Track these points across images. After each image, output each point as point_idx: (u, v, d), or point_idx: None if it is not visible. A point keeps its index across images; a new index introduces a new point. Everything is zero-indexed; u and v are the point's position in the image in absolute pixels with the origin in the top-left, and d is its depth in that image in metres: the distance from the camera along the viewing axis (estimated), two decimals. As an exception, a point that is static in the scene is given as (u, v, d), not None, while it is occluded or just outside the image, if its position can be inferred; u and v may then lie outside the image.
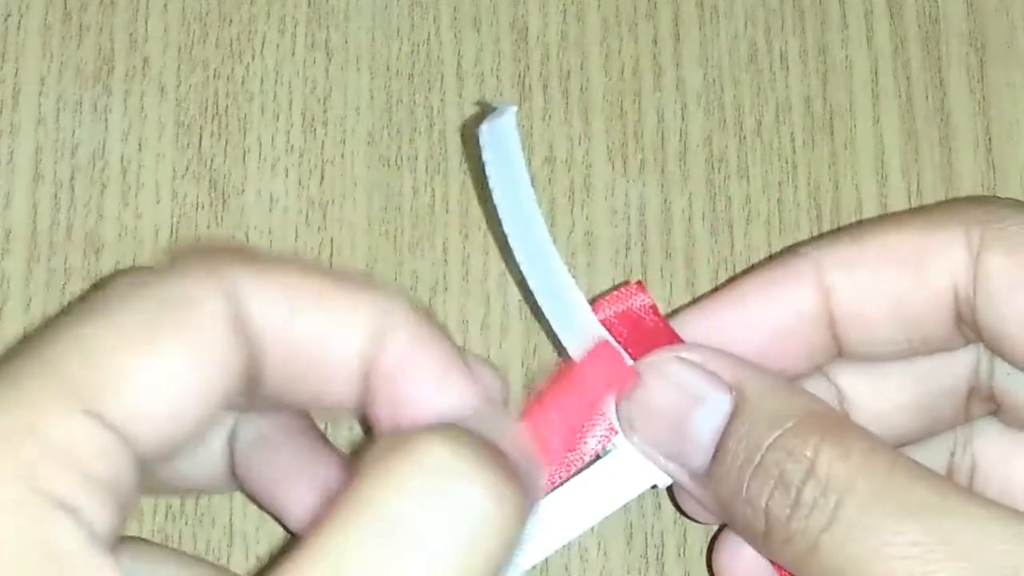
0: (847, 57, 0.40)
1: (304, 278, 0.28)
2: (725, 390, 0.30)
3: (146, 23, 0.39)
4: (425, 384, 0.28)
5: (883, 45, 0.40)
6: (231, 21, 0.39)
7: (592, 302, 0.32)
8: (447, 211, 0.38)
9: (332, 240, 0.38)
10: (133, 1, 0.39)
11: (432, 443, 0.25)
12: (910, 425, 0.32)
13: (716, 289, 0.33)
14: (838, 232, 0.33)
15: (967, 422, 0.33)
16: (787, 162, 0.39)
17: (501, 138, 0.30)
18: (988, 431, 0.33)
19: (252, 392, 0.28)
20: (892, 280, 0.31)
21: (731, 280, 0.33)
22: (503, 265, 0.38)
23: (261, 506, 0.33)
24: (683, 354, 0.31)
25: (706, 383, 0.30)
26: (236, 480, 0.32)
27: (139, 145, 0.38)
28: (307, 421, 0.32)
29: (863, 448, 0.28)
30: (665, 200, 0.39)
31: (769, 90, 0.40)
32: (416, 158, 0.39)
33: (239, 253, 0.28)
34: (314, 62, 0.39)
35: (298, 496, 0.31)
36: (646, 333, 0.32)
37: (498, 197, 0.31)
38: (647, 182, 0.39)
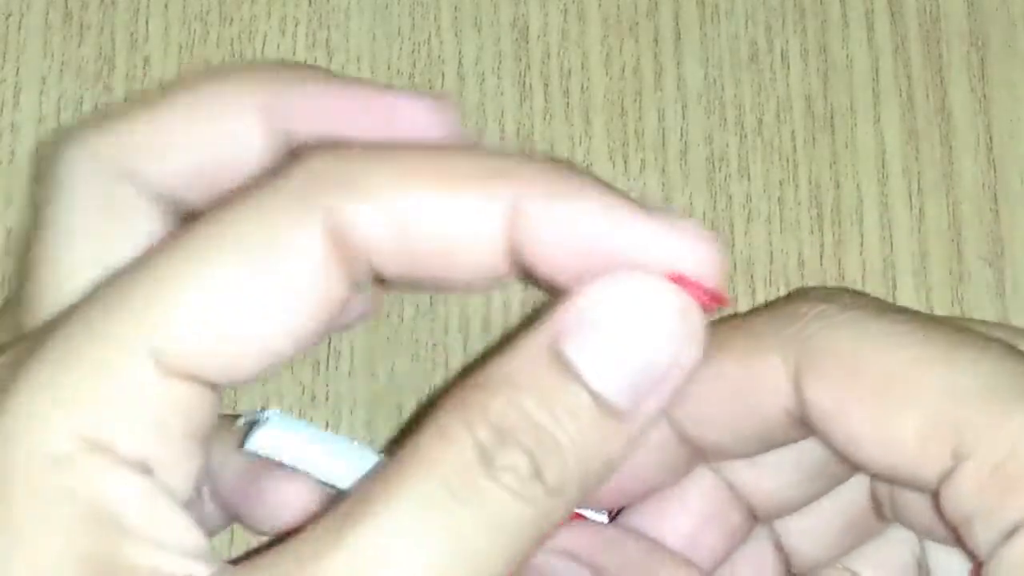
0: (848, 56, 0.40)
1: (415, 181, 0.26)
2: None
3: (147, 22, 0.39)
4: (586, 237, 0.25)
5: (884, 44, 0.40)
6: (232, 21, 0.39)
7: None
8: (448, 210, 0.38)
9: (333, 239, 0.38)
10: (134, 1, 0.39)
11: None
12: (803, 493, 0.32)
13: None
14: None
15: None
16: (788, 161, 0.39)
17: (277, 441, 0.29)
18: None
19: (371, 279, 0.26)
20: (725, 408, 0.30)
21: None
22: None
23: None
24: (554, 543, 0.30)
25: (571, 568, 0.30)
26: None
27: (139, 145, 0.38)
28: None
29: None
30: (666, 199, 0.39)
31: (770, 89, 0.40)
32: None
33: (342, 167, 0.26)
34: (315, 61, 0.39)
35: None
36: None
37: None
38: (648, 181, 0.39)
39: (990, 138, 0.40)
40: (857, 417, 0.28)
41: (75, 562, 0.23)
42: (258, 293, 0.25)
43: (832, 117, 0.40)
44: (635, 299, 0.25)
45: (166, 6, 0.39)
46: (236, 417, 0.30)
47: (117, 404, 0.24)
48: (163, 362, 0.24)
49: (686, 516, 0.31)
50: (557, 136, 0.39)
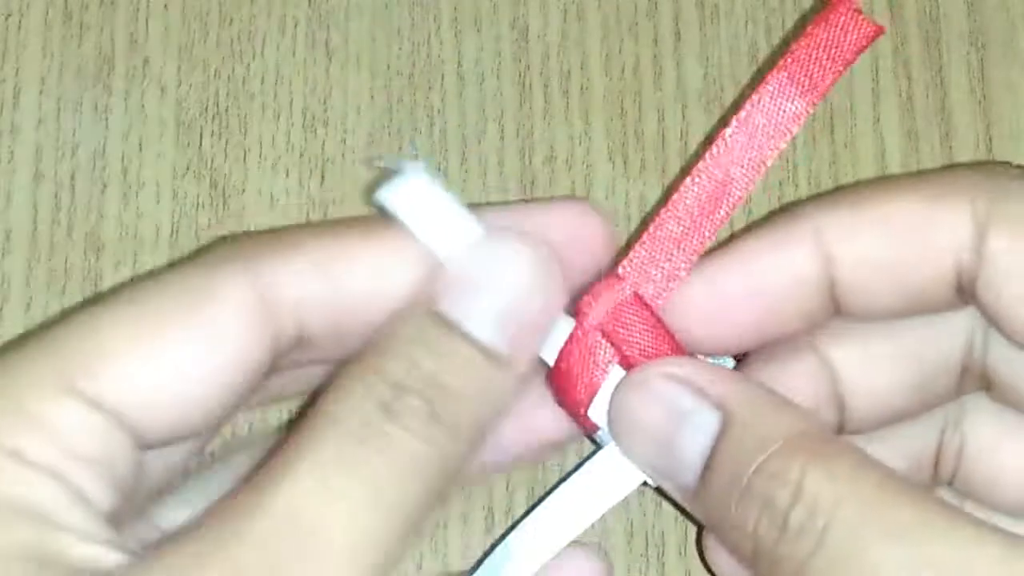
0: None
1: (331, 243, 0.29)
2: (712, 408, 0.29)
3: (147, 22, 0.39)
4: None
5: (883, 44, 0.40)
6: (231, 20, 0.39)
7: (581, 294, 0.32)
8: (447, 211, 0.38)
9: (332, 240, 0.38)
10: (133, 1, 0.39)
11: None
12: (902, 402, 0.32)
13: (713, 249, 0.32)
14: (838, 193, 0.32)
15: (957, 398, 0.33)
16: (787, 161, 0.39)
17: (413, 200, 0.29)
18: (979, 411, 0.33)
19: (300, 356, 0.29)
20: (894, 252, 0.30)
21: (730, 239, 0.32)
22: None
23: None
24: (669, 369, 0.30)
25: (692, 401, 0.30)
26: None
27: (139, 145, 0.38)
28: None
29: (850, 468, 0.28)
30: (666, 199, 0.39)
31: (769, 89, 0.40)
32: (416, 158, 0.39)
33: (263, 238, 0.29)
34: (315, 62, 0.39)
35: None
36: (638, 331, 0.31)
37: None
38: (647, 182, 0.39)
39: (990, 138, 0.40)
40: None
41: (3, 548, 0.26)
42: (174, 336, 0.27)
43: (832, 117, 0.40)
44: (498, 257, 0.29)
45: (166, 6, 0.39)
46: None
47: (26, 420, 0.26)
48: (71, 390, 0.27)
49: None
50: (557, 136, 0.39)
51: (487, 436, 0.29)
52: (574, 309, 0.31)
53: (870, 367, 0.32)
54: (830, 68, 0.31)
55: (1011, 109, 0.40)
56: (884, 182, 0.32)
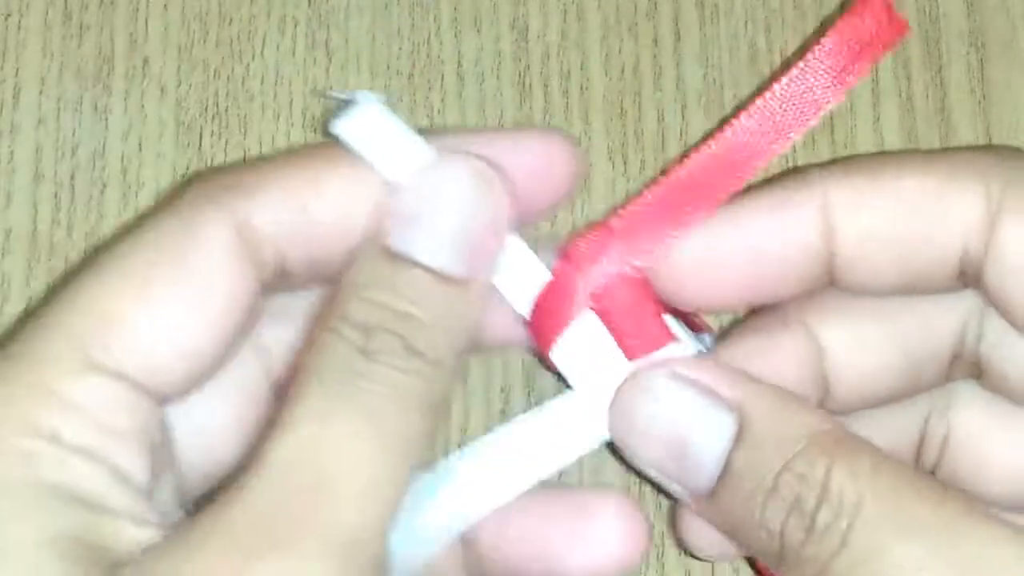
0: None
1: (299, 174, 0.29)
2: (728, 411, 0.29)
3: (146, 23, 0.39)
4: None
5: (883, 44, 0.40)
6: (231, 21, 0.39)
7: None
8: (447, 211, 0.38)
9: (332, 240, 0.38)
10: (133, 1, 0.39)
11: None
12: (890, 384, 0.32)
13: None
14: (850, 161, 0.31)
15: (947, 384, 0.33)
16: (787, 162, 0.39)
17: (367, 129, 0.30)
18: (967, 398, 0.33)
19: (284, 286, 0.30)
20: (900, 228, 0.30)
21: (733, 198, 0.31)
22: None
23: None
24: (677, 370, 0.30)
25: (706, 403, 0.29)
26: None
27: (139, 145, 0.38)
28: None
29: (870, 466, 0.28)
30: (665, 200, 0.39)
31: (769, 89, 0.40)
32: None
33: (232, 177, 0.29)
34: (314, 62, 0.39)
35: None
36: (620, 289, 0.31)
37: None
38: (648, 182, 0.39)
39: (990, 138, 0.40)
40: None
41: (51, 540, 0.25)
42: (169, 290, 0.28)
43: (831, 117, 0.40)
44: (438, 181, 0.29)
45: (166, 6, 0.39)
46: None
47: (57, 401, 0.27)
48: (92, 364, 0.27)
49: (775, 381, 0.31)
50: (557, 136, 0.39)
51: (462, 353, 0.29)
52: (559, 252, 0.31)
53: (859, 347, 0.32)
54: (861, 61, 0.30)
55: (1011, 109, 0.40)
56: (897, 157, 0.31)
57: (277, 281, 0.30)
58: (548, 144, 0.31)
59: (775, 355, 0.31)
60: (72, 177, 0.38)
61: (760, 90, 0.31)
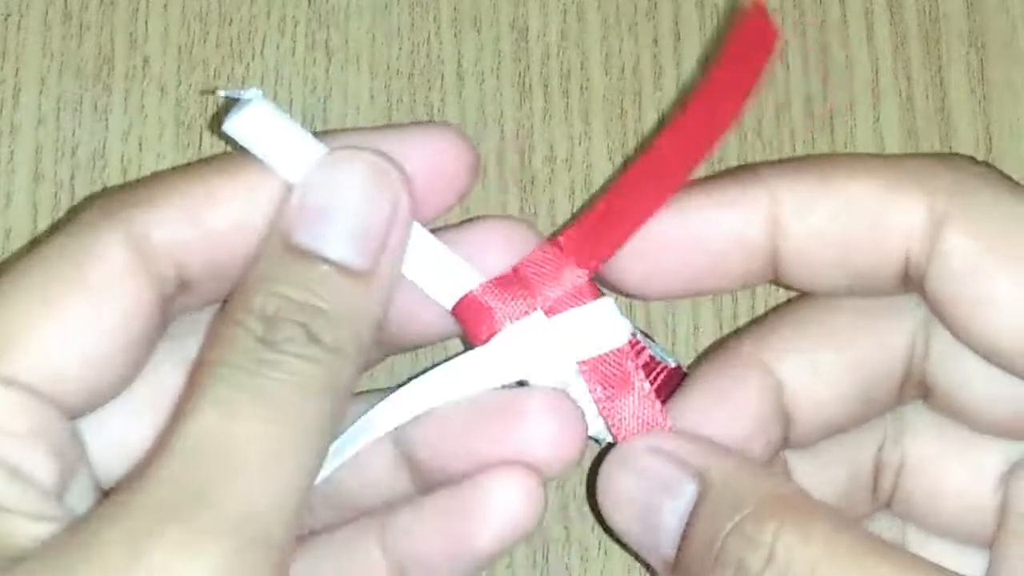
0: (847, 56, 0.40)
1: (195, 186, 0.30)
2: (691, 477, 0.30)
3: (146, 23, 0.39)
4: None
5: (883, 44, 0.40)
6: (231, 21, 0.39)
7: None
8: (447, 211, 0.38)
9: (332, 240, 0.38)
10: (133, 1, 0.39)
11: None
12: (845, 412, 0.32)
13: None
14: (801, 161, 0.32)
15: (897, 407, 0.33)
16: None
17: (258, 128, 0.30)
18: (920, 425, 0.33)
19: (189, 299, 0.30)
20: (844, 230, 0.30)
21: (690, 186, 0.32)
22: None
23: None
24: (655, 443, 0.31)
25: (674, 471, 0.30)
26: None
27: (139, 145, 0.38)
28: None
29: (826, 530, 0.28)
30: (665, 199, 0.39)
31: (770, 89, 0.40)
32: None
33: (129, 193, 0.30)
34: (314, 62, 0.39)
35: None
36: (630, 402, 0.31)
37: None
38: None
39: (990, 138, 0.40)
40: (997, 280, 0.29)
41: None
42: (66, 303, 0.28)
43: (831, 117, 0.40)
44: (334, 175, 0.29)
45: (166, 6, 0.39)
46: None
47: None
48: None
49: (739, 422, 0.31)
50: (557, 136, 0.39)
51: (368, 345, 0.29)
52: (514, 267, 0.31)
53: (814, 376, 0.32)
54: (746, 82, 0.31)
55: (1011, 109, 0.40)
56: (848, 159, 0.31)
57: (181, 292, 0.30)
58: (441, 139, 0.31)
59: (738, 395, 0.32)
60: (72, 177, 0.38)
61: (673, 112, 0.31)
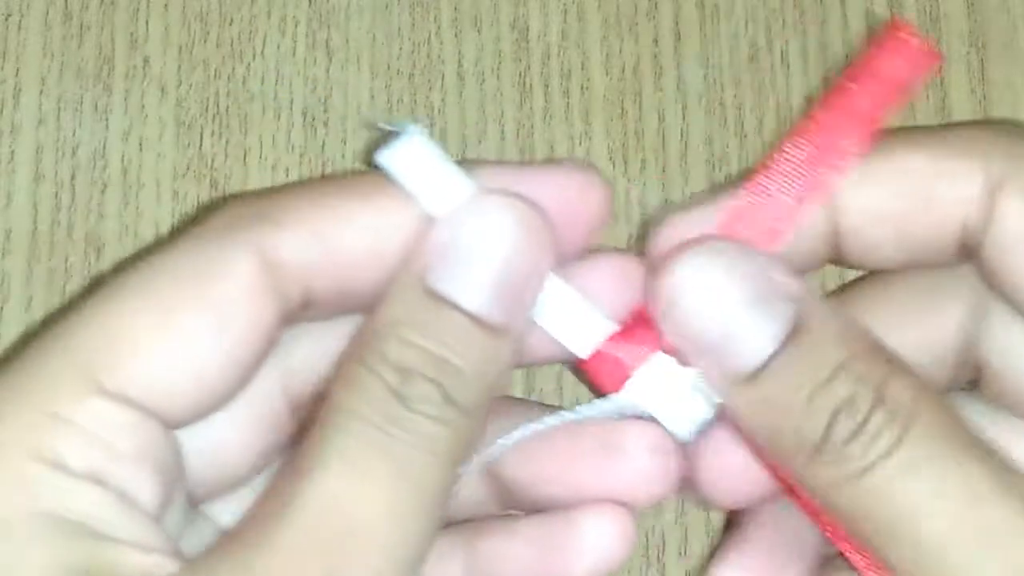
0: (848, 56, 0.40)
1: (329, 207, 0.29)
2: (787, 298, 0.29)
3: (147, 23, 0.39)
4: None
5: (884, 44, 0.40)
6: (232, 20, 0.39)
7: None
8: (448, 211, 0.38)
9: (333, 240, 0.38)
10: (133, 1, 0.39)
11: None
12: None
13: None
14: None
15: (948, 392, 0.32)
16: (788, 162, 0.39)
17: (411, 161, 0.29)
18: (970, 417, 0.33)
19: (309, 317, 0.29)
20: (900, 204, 0.30)
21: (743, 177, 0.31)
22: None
23: None
24: (749, 248, 0.30)
25: (772, 285, 0.29)
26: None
27: (140, 145, 0.38)
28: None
29: (922, 384, 0.28)
30: (666, 200, 0.39)
31: (770, 89, 0.40)
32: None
33: (260, 206, 0.29)
34: (315, 62, 0.39)
35: None
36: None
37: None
38: (648, 182, 0.39)
39: (990, 138, 0.40)
40: None
41: (57, 570, 0.25)
42: (188, 318, 0.27)
43: (832, 117, 0.40)
44: (482, 222, 0.28)
45: (166, 6, 0.39)
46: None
47: (62, 426, 0.26)
48: (99, 388, 0.27)
49: None
50: (557, 136, 0.39)
51: (493, 402, 0.29)
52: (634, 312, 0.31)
53: None
54: (890, 96, 0.31)
55: (1011, 109, 0.40)
56: (900, 133, 0.31)
57: (302, 311, 0.29)
58: (581, 179, 0.30)
59: None
60: (72, 177, 0.38)
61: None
